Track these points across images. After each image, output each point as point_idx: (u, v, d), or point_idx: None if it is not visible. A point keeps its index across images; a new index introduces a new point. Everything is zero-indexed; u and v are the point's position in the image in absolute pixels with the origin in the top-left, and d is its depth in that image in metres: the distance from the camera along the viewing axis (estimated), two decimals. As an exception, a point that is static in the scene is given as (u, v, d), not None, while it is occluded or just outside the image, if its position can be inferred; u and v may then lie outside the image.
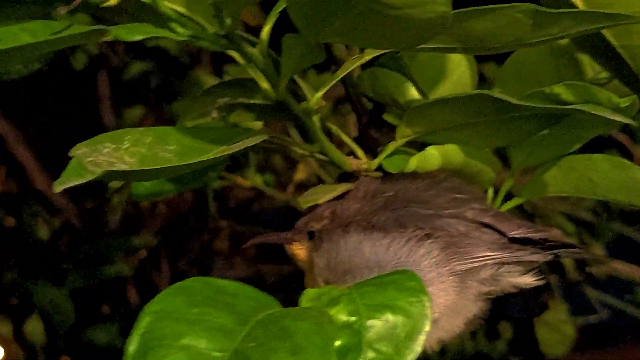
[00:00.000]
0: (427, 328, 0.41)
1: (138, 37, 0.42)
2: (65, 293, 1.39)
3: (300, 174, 0.92)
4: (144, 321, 0.39)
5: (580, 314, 1.53)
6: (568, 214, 1.34)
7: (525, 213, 1.26)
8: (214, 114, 0.58)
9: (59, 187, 0.40)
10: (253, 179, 0.89)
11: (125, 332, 1.38)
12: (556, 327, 1.50)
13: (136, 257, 1.57)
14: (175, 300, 0.40)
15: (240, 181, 0.89)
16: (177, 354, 0.38)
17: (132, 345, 0.38)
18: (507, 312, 1.70)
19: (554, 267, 1.41)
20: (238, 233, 1.59)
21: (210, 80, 1.16)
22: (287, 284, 1.44)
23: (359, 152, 0.57)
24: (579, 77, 0.58)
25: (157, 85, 1.61)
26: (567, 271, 1.39)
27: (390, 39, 0.43)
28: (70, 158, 0.42)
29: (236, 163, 0.90)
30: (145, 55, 1.56)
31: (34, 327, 1.38)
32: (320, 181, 0.89)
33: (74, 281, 1.40)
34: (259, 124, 0.61)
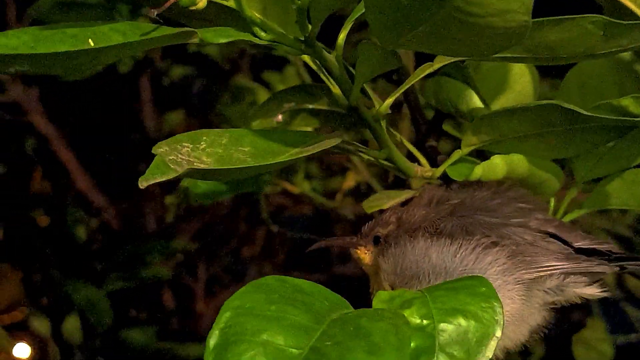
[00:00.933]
0: (498, 334, 0.42)
1: (223, 40, 0.44)
2: (104, 294, 1.40)
3: (349, 182, 0.92)
4: (225, 316, 0.40)
5: (619, 332, 1.52)
6: (608, 229, 1.33)
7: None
8: (279, 118, 0.59)
9: (144, 183, 0.41)
10: (301, 186, 0.90)
11: (161, 335, 1.39)
12: (594, 346, 1.49)
13: (173, 261, 1.58)
14: (254, 297, 0.41)
15: (289, 187, 0.89)
16: (257, 349, 0.39)
17: (213, 339, 0.39)
18: (547, 330, 1.69)
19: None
20: (271, 235, 1.60)
21: (250, 86, 1.17)
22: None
23: (423, 160, 0.58)
24: (642, 90, 0.58)
25: (198, 91, 1.62)
26: (608, 288, 1.38)
27: (469, 46, 0.43)
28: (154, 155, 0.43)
29: (285, 170, 0.91)
30: (186, 60, 1.58)
31: (72, 326, 1.39)
32: (369, 189, 0.89)
33: (112, 282, 1.41)
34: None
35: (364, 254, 0.56)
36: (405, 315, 0.43)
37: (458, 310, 0.43)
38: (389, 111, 0.55)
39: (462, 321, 0.42)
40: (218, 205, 1.70)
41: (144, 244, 1.49)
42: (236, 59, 1.54)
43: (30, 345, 1.41)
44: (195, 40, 0.43)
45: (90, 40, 0.39)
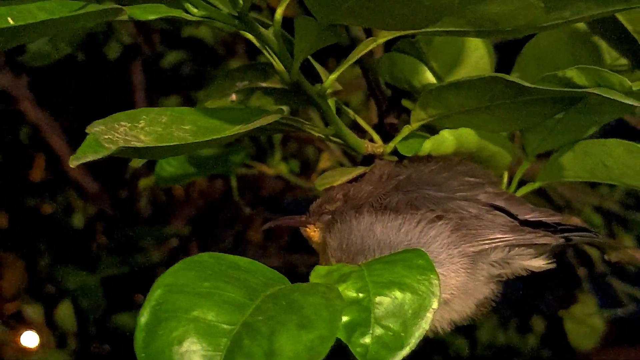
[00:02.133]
0: (434, 305, 0.42)
1: (152, 17, 0.43)
2: (97, 279, 1.41)
3: (324, 163, 0.92)
4: (156, 294, 0.40)
5: (609, 307, 1.52)
6: (597, 206, 1.33)
7: (553, 204, 1.25)
8: (233, 97, 0.59)
9: (74, 162, 0.41)
10: (277, 168, 0.90)
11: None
12: (584, 321, 1.49)
13: (167, 246, 1.58)
14: (186, 274, 0.41)
15: (265, 169, 0.89)
16: (187, 326, 0.39)
17: (144, 317, 0.39)
18: (540, 306, 1.70)
19: (582, 260, 1.41)
20: (270, 219, 1.60)
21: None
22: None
23: (375, 136, 0.57)
24: (597, 64, 0.57)
25: (192, 75, 1.62)
26: (595, 264, 1.38)
27: (399, 20, 0.43)
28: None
29: (262, 152, 0.91)
30: (180, 45, 1.57)
31: (65, 313, 1.40)
32: (342, 165, 0.89)
33: (106, 268, 1.42)
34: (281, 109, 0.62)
35: (313, 232, 0.56)
36: (341, 289, 0.43)
37: (394, 283, 0.43)
38: (338, 87, 0.55)
39: (398, 294, 0.42)
40: (214, 189, 1.71)
41: (136, 230, 1.49)
42: (231, 42, 1.53)
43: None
44: (124, 17, 0.43)
45: (9, 18, 0.39)
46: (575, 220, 0.64)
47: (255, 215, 1.30)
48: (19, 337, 1.44)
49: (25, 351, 1.44)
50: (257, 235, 1.68)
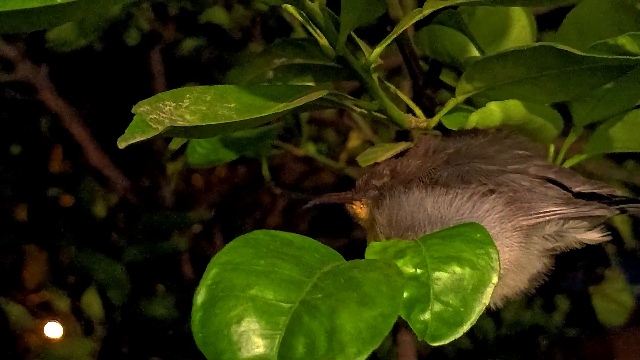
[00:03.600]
0: (494, 280, 0.41)
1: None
2: (122, 267, 1.41)
3: (352, 142, 0.91)
4: (212, 272, 0.40)
5: (638, 283, 1.51)
6: (624, 181, 1.32)
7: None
8: (270, 75, 0.58)
9: (123, 143, 0.40)
10: (306, 148, 0.88)
11: (180, 305, 1.40)
12: (613, 298, 1.48)
13: (191, 232, 1.58)
14: (242, 252, 0.41)
15: (293, 150, 0.88)
16: (246, 304, 0.38)
17: (201, 296, 0.39)
18: (565, 285, 1.69)
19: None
20: (293, 204, 1.59)
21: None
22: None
23: (417, 111, 0.56)
24: (641, 31, 0.56)
25: (210, 61, 1.62)
26: (625, 240, 1.36)
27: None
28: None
29: (289, 134, 0.90)
30: (197, 31, 1.57)
31: (91, 301, 1.40)
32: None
33: (130, 256, 1.42)
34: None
35: (360, 209, 0.55)
36: (399, 265, 0.42)
37: (453, 258, 0.42)
38: (380, 61, 0.54)
39: (457, 269, 0.42)
40: (236, 175, 1.71)
41: (160, 217, 1.49)
42: (248, 27, 1.52)
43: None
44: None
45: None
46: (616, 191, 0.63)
47: (280, 197, 1.29)
48: (44, 327, 1.45)
49: (50, 341, 1.44)
50: (278, 219, 1.68)
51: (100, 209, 1.65)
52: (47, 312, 1.48)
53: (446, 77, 0.63)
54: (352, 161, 0.91)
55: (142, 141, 0.41)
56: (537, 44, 0.47)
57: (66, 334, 1.44)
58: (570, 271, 1.58)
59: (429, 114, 0.59)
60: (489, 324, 1.73)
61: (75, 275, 1.55)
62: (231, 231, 1.64)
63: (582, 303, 1.57)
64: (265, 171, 0.80)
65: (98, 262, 1.40)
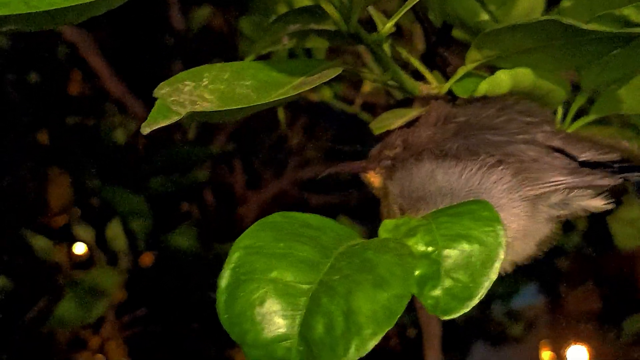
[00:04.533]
0: (501, 256, 0.43)
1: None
2: (143, 199, 1.43)
3: (367, 87, 0.92)
4: (235, 256, 0.42)
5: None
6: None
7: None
8: (285, 41, 0.59)
9: (147, 129, 0.42)
10: (322, 93, 0.89)
11: (202, 236, 1.42)
12: (631, 222, 1.50)
13: (211, 163, 1.59)
14: (263, 235, 0.43)
15: (310, 95, 0.89)
16: (267, 287, 0.41)
17: (224, 279, 0.41)
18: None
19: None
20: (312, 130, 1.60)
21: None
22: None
23: (429, 77, 0.58)
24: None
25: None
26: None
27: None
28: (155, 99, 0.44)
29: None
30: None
31: (114, 233, 1.42)
32: (388, 94, 0.89)
33: (152, 187, 1.44)
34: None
35: (374, 178, 0.57)
36: (411, 243, 0.44)
37: (462, 236, 0.44)
38: (393, 29, 0.55)
39: (466, 246, 0.44)
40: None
41: (180, 150, 1.50)
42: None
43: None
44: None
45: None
46: (625, 145, 0.65)
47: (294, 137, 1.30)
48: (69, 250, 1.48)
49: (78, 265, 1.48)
50: (297, 143, 1.69)
51: (120, 135, 1.66)
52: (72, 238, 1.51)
53: (458, 33, 0.64)
54: (366, 106, 0.92)
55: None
56: (544, 17, 0.48)
57: (92, 263, 1.47)
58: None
59: (442, 73, 0.60)
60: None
61: (98, 204, 1.57)
62: (251, 155, 1.67)
63: (600, 223, 1.58)
64: (282, 117, 0.81)
65: (120, 195, 1.42)
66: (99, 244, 1.45)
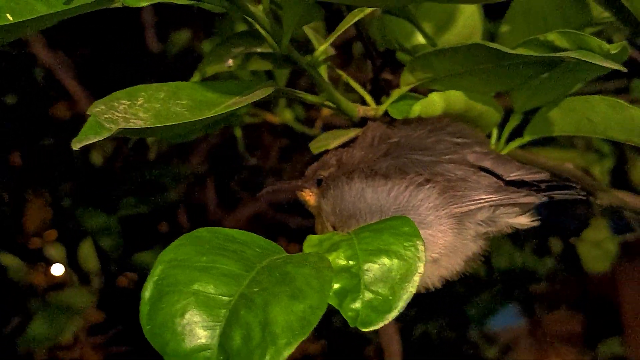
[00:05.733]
0: (420, 270, 0.44)
1: (144, 3, 0.45)
2: (115, 219, 1.44)
3: (327, 110, 0.93)
4: (158, 269, 0.43)
5: (622, 231, 1.53)
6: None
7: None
8: (230, 62, 0.61)
9: (77, 145, 0.43)
10: (282, 115, 0.90)
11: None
12: (597, 244, 1.51)
13: (185, 183, 1.60)
14: (186, 250, 0.44)
15: (270, 117, 0.90)
16: (189, 299, 0.41)
17: (148, 291, 0.42)
18: (560, 225, 1.71)
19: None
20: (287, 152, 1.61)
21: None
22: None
23: (368, 98, 0.59)
24: (584, 16, 0.59)
25: (203, 9, 1.62)
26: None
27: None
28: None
29: (266, 99, 0.92)
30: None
31: (87, 253, 1.43)
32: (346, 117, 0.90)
33: (125, 209, 1.44)
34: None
35: (309, 196, 0.59)
36: (332, 257, 0.45)
37: (382, 250, 0.45)
38: (333, 52, 0.56)
39: (386, 260, 0.45)
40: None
41: (154, 168, 1.51)
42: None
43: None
44: (118, 4, 0.45)
45: (8, 14, 0.41)
46: (568, 167, 0.66)
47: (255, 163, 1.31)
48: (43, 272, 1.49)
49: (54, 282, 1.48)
50: (274, 164, 1.70)
51: (96, 157, 1.67)
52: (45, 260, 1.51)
53: (402, 56, 0.65)
54: (327, 128, 0.93)
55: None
56: (471, 42, 0.50)
57: (65, 284, 1.48)
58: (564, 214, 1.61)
59: (386, 95, 0.62)
60: (481, 268, 1.77)
61: (71, 225, 1.57)
62: (227, 176, 1.67)
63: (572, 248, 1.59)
64: (241, 144, 0.82)
65: (92, 215, 1.43)
66: (72, 264, 1.45)
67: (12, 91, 1.74)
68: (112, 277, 1.49)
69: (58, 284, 1.48)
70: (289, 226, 1.66)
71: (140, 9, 1.57)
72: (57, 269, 1.48)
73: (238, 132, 0.82)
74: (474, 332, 1.92)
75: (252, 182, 1.69)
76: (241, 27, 0.74)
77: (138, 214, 1.47)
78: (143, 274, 1.43)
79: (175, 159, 1.58)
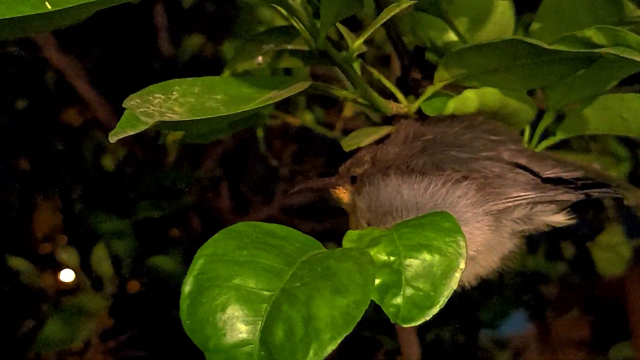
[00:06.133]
0: (462, 266, 0.44)
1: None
2: (128, 223, 1.43)
3: (348, 111, 0.93)
4: (198, 264, 0.43)
5: (636, 236, 1.53)
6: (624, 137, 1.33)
7: (581, 137, 1.25)
8: (260, 60, 0.60)
9: (114, 137, 0.43)
10: (303, 117, 0.90)
11: (188, 260, 1.43)
12: (611, 248, 1.51)
13: (198, 187, 1.59)
14: (226, 244, 0.44)
15: (289, 119, 0.90)
16: (229, 293, 0.41)
17: (188, 286, 0.42)
18: (572, 230, 1.71)
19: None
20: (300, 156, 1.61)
21: (262, 10, 1.17)
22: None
23: (399, 96, 0.59)
24: (616, 15, 0.59)
25: (214, 12, 1.62)
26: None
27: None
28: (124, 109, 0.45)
29: (285, 100, 0.92)
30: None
31: (99, 257, 1.43)
32: (368, 119, 0.90)
33: (139, 213, 1.44)
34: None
35: (343, 194, 0.58)
36: (373, 253, 0.45)
37: (423, 246, 0.45)
38: (365, 49, 0.56)
39: (427, 256, 0.44)
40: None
41: (167, 172, 1.51)
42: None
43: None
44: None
45: (47, 3, 0.40)
46: (595, 167, 0.66)
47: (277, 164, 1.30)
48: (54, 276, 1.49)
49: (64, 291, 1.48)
50: (286, 170, 1.70)
51: (108, 162, 1.67)
52: (57, 264, 1.51)
53: (431, 56, 0.65)
54: (347, 131, 0.93)
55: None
56: (508, 38, 0.50)
57: (77, 288, 1.47)
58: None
59: (416, 94, 0.62)
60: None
61: (84, 229, 1.57)
62: (240, 181, 1.67)
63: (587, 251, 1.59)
64: (262, 144, 0.82)
65: (105, 220, 1.43)
66: (85, 268, 1.45)
67: (24, 95, 1.75)
68: (125, 281, 1.48)
69: (70, 288, 1.48)
70: (302, 231, 1.65)
71: (153, 12, 1.57)
72: (69, 274, 1.47)
73: (260, 133, 0.82)
74: (485, 337, 1.91)
75: (265, 187, 1.69)
76: (260, 28, 0.74)
77: (151, 218, 1.46)
78: (156, 278, 1.44)
79: (189, 163, 1.58)
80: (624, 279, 1.88)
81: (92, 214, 1.50)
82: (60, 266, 1.49)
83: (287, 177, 1.64)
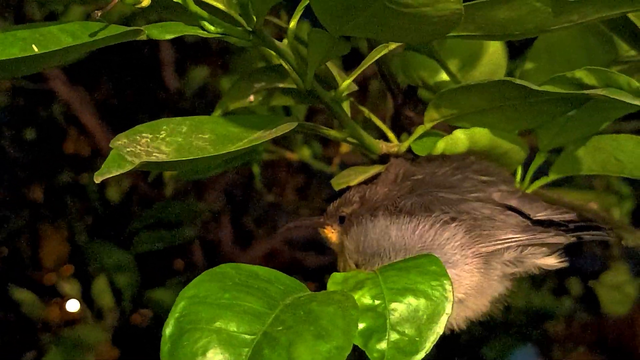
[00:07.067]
0: (448, 311, 0.43)
1: (169, 36, 0.45)
2: (131, 256, 1.43)
3: (345, 147, 0.93)
4: (180, 306, 0.42)
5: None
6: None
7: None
8: (251, 98, 0.60)
9: (99, 177, 0.43)
10: (300, 152, 0.90)
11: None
12: (617, 287, 1.49)
13: (200, 220, 1.59)
14: (208, 286, 0.43)
15: (287, 155, 0.90)
16: (210, 337, 0.41)
17: (169, 328, 0.41)
18: (579, 266, 1.69)
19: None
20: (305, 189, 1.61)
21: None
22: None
23: (390, 135, 0.59)
24: (609, 54, 0.58)
25: (220, 47, 1.63)
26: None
27: (409, 33, 0.44)
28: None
29: (283, 135, 0.92)
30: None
31: (101, 288, 1.42)
32: (365, 155, 0.90)
33: (140, 245, 1.44)
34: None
35: (331, 233, 0.58)
36: (357, 296, 0.44)
37: (409, 289, 0.44)
38: (355, 88, 0.56)
39: (413, 300, 0.44)
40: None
41: (169, 206, 1.50)
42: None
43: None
44: (143, 37, 0.44)
45: (34, 45, 0.41)
46: (592, 207, 0.65)
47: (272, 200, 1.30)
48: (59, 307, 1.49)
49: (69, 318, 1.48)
50: (289, 203, 1.70)
51: (113, 193, 1.67)
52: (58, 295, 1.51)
53: (424, 93, 0.65)
54: (344, 166, 0.93)
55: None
56: (498, 79, 0.50)
57: (79, 319, 1.47)
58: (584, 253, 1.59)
59: (407, 132, 0.61)
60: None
61: (87, 261, 1.57)
62: (242, 214, 1.67)
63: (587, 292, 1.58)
64: (258, 181, 0.82)
65: (106, 251, 1.43)
66: (87, 300, 1.45)
67: (31, 126, 1.76)
68: (127, 313, 1.48)
69: (72, 320, 1.48)
70: (305, 264, 1.65)
71: (159, 46, 1.58)
72: (72, 305, 1.47)
73: (256, 169, 0.82)
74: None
75: (268, 220, 1.69)
76: (260, 64, 0.74)
77: (153, 250, 1.46)
78: (157, 310, 1.44)
79: (191, 195, 1.58)
80: (633, 318, 1.86)
81: (96, 245, 1.50)
82: (63, 297, 1.49)
83: (290, 209, 1.65)
